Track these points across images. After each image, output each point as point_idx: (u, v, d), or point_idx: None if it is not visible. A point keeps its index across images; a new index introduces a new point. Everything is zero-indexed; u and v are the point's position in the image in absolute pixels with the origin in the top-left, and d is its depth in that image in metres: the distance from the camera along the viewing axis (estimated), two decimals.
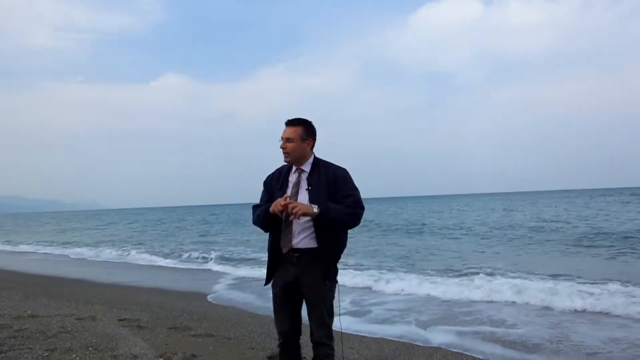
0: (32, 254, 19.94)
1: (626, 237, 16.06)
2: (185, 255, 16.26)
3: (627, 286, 7.79)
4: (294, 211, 2.70)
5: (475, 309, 7.01)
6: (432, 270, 10.83)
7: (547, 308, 6.85)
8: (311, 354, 2.96)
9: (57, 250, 20.76)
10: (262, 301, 7.75)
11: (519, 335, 5.56)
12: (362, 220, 2.98)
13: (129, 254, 17.81)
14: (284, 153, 2.94)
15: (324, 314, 2.89)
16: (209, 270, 12.76)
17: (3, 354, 4.28)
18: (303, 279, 2.88)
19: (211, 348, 4.79)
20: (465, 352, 4.94)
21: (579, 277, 9.02)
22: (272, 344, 4.85)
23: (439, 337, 5.58)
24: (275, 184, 3.04)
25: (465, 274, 9.89)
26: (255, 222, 3.06)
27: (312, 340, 2.94)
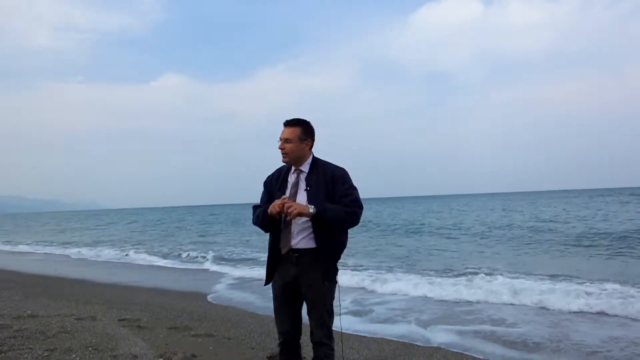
0: (32, 254, 19.94)
1: (625, 237, 16.08)
2: (185, 255, 16.26)
3: (625, 286, 7.81)
4: (289, 211, 2.71)
5: (475, 309, 7.02)
6: (431, 270, 10.84)
7: (546, 308, 6.86)
8: (311, 354, 2.97)
9: (57, 250, 20.76)
10: (262, 301, 7.75)
11: (519, 335, 5.57)
12: (361, 220, 2.98)
13: (127, 254, 17.80)
14: (282, 153, 2.94)
15: (323, 314, 2.90)
16: (209, 270, 12.76)
17: (3, 354, 4.29)
18: (303, 279, 2.88)
19: (211, 348, 4.80)
20: (465, 352, 4.95)
21: (577, 277, 9.03)
22: (272, 344, 4.86)
23: (439, 336, 5.60)
24: (274, 184, 3.04)
25: (465, 274, 9.90)
26: (255, 223, 3.07)
27: (312, 340, 2.94)
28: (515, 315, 6.52)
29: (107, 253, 18.60)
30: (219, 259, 14.71)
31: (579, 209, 36.00)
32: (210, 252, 16.39)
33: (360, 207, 2.91)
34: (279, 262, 2.97)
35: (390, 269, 11.22)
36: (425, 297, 7.92)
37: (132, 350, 4.54)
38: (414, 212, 46.17)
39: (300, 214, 2.74)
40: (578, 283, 8.33)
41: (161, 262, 15.20)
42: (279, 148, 2.94)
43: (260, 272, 10.14)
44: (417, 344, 5.30)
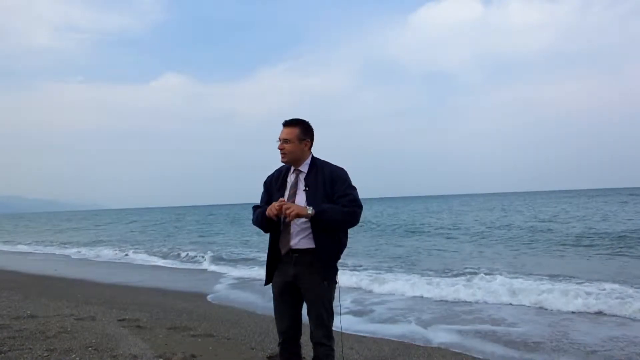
0: (32, 254, 19.93)
1: (623, 237, 16.10)
2: (185, 255, 16.26)
3: (624, 286, 7.83)
4: (287, 212, 2.71)
5: (475, 309, 7.03)
6: (431, 270, 10.84)
7: (545, 308, 6.87)
8: (311, 353, 2.97)
9: (57, 251, 20.77)
10: (262, 301, 7.76)
11: (519, 334, 5.59)
12: (361, 220, 2.98)
13: (127, 254, 17.80)
14: (281, 154, 2.94)
15: (323, 314, 2.90)
16: (209, 270, 12.76)
17: (3, 354, 4.29)
18: (302, 279, 2.89)
19: (211, 348, 4.80)
20: (465, 353, 4.95)
21: (576, 277, 9.04)
22: (272, 344, 4.86)
23: (439, 336, 5.61)
24: (274, 184, 3.05)
25: (464, 274, 9.90)
26: (254, 223, 3.07)
27: (311, 340, 2.95)
28: (515, 315, 6.54)
29: (107, 253, 18.59)
30: (219, 259, 14.71)
31: (578, 209, 36.03)
32: (209, 252, 16.39)
33: (360, 206, 2.91)
34: (279, 262, 2.97)
35: (390, 269, 11.23)
36: (425, 297, 7.92)
37: (131, 351, 4.54)
38: (414, 212, 46.19)
39: (298, 216, 2.74)
40: (577, 283, 8.35)
41: (161, 262, 15.20)
42: (278, 148, 2.94)
43: (260, 272, 10.15)
44: (417, 343, 5.30)
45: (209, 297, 8.49)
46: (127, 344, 4.81)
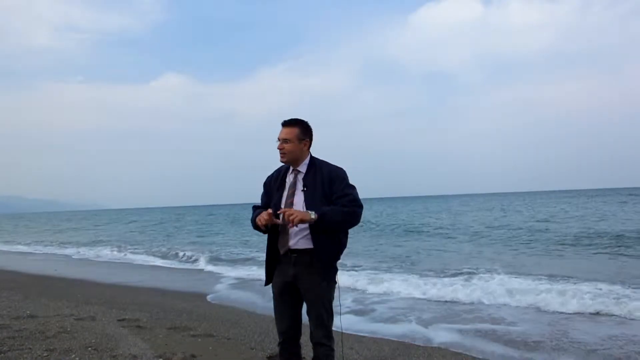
0: (32, 254, 19.92)
1: (622, 237, 16.12)
2: (184, 255, 16.26)
3: (622, 286, 7.84)
4: (290, 219, 2.69)
5: (475, 308, 7.04)
6: (430, 270, 10.85)
7: (544, 308, 6.87)
8: (311, 354, 2.98)
9: (57, 251, 20.76)
10: (262, 301, 7.76)
11: (519, 333, 5.60)
12: (361, 220, 2.98)
13: (126, 254, 17.80)
14: (280, 153, 2.94)
15: (322, 314, 2.90)
16: (208, 270, 12.76)
17: (2, 354, 4.29)
18: (301, 279, 2.89)
19: (211, 348, 4.80)
20: (465, 353, 4.96)
21: (575, 277, 9.04)
22: (272, 343, 4.86)
23: (440, 335, 5.62)
24: (273, 184, 3.05)
25: (464, 274, 9.91)
26: (252, 225, 3.08)
27: (311, 341, 2.95)
28: (514, 315, 6.55)
29: (107, 253, 18.59)
30: (218, 260, 14.71)
31: (577, 209, 36.05)
32: (208, 252, 16.38)
33: (360, 206, 2.90)
34: (278, 262, 2.97)
35: (389, 269, 11.23)
36: (425, 296, 7.93)
37: (131, 351, 4.54)
38: (413, 212, 46.20)
39: (302, 221, 2.72)
40: (575, 283, 8.35)
41: (160, 262, 15.19)
42: (278, 148, 2.94)
43: (259, 272, 10.15)
44: (417, 343, 5.31)
45: (208, 297, 8.50)
46: (127, 344, 4.82)
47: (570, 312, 6.58)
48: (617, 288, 7.67)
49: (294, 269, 2.89)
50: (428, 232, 23.04)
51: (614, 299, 6.85)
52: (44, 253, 20.05)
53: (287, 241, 2.88)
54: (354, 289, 8.68)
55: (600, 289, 7.58)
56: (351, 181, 2.97)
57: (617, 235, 16.61)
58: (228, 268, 12.49)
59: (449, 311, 6.96)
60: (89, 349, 4.57)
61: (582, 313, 6.50)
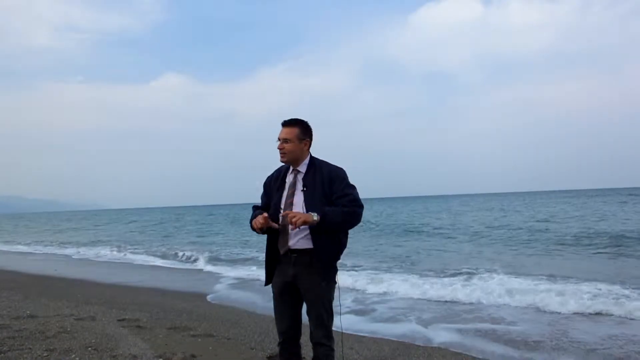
0: (32, 254, 19.92)
1: (621, 237, 16.12)
2: (184, 255, 16.26)
3: (621, 286, 7.85)
4: (293, 221, 2.69)
5: (475, 308, 7.04)
6: (430, 270, 10.85)
7: (543, 308, 6.87)
8: (311, 354, 2.98)
9: (57, 251, 20.76)
10: (262, 301, 7.76)
11: (519, 333, 5.61)
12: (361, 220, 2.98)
13: (124, 254, 17.80)
14: (281, 153, 2.94)
15: (322, 314, 2.90)
16: (208, 270, 12.76)
17: (2, 354, 4.30)
18: (301, 279, 2.89)
19: (211, 348, 4.81)
20: (465, 352, 4.96)
21: (574, 277, 9.05)
22: (272, 343, 4.87)
23: (440, 335, 5.63)
24: (273, 184, 3.05)
25: (464, 274, 9.91)
26: (250, 225, 3.09)
27: (311, 341, 2.95)
28: (514, 315, 6.55)
29: (107, 253, 18.60)
30: (218, 260, 14.71)
31: (577, 209, 36.05)
32: (208, 252, 16.38)
33: (361, 206, 2.91)
34: (278, 262, 2.97)
35: (389, 269, 11.24)
36: (425, 296, 7.93)
37: (131, 351, 4.55)
38: (413, 212, 46.20)
39: (305, 223, 2.72)
40: (575, 283, 8.35)
41: (160, 262, 15.19)
42: (278, 148, 2.94)
43: (259, 272, 10.15)
44: (417, 343, 5.31)
45: (208, 297, 8.50)
46: (127, 344, 4.82)
47: (570, 312, 6.59)
48: (617, 288, 7.67)
49: (294, 269, 2.89)
50: (428, 232, 23.05)
51: (613, 299, 6.86)
52: (44, 253, 20.05)
53: (286, 241, 2.88)
54: (354, 289, 8.68)
55: (600, 289, 7.59)
56: (351, 181, 2.97)
57: (617, 235, 16.62)
58: (228, 268, 12.49)
59: (449, 311, 6.96)
60: (89, 349, 4.57)
61: (582, 313, 6.50)
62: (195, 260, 14.87)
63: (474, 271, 10.22)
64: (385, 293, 8.36)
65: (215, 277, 11.17)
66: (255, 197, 3.21)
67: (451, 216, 35.51)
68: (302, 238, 2.86)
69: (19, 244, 25.42)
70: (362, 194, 2.96)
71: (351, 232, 3.04)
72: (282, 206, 2.92)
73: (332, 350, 2.92)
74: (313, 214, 2.75)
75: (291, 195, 2.91)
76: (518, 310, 6.87)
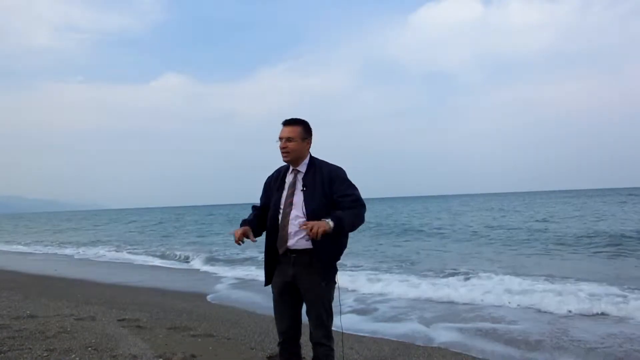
0: (32, 254, 19.92)
1: (620, 237, 16.13)
2: (183, 255, 16.26)
3: (620, 286, 7.85)
4: (313, 231, 2.64)
5: (475, 308, 7.04)
6: (430, 270, 10.85)
7: (543, 308, 6.87)
8: (311, 354, 2.98)
9: (57, 250, 20.75)
10: (262, 301, 7.75)
11: (520, 332, 5.61)
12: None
13: (126, 254, 17.79)
14: (284, 152, 2.92)
15: (322, 314, 2.90)
16: (208, 270, 12.76)
17: (2, 354, 4.30)
18: (301, 279, 2.89)
19: (211, 348, 4.81)
20: (465, 352, 4.96)
21: (574, 277, 9.05)
22: (272, 343, 4.87)
23: (440, 334, 5.63)
24: (273, 184, 3.06)
25: (464, 274, 9.91)
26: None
27: (311, 341, 2.95)
28: (514, 314, 6.55)
29: (107, 253, 18.59)
30: (218, 260, 14.70)
31: (577, 209, 36.06)
32: (207, 252, 16.37)
33: (363, 205, 2.93)
34: (278, 262, 2.98)
35: (389, 269, 11.24)
36: (424, 296, 7.92)
37: (131, 351, 4.55)
38: (413, 212, 46.20)
39: (325, 232, 2.67)
40: (574, 283, 8.36)
41: (160, 262, 15.20)
42: (281, 147, 2.92)
43: (259, 273, 10.15)
44: (417, 343, 5.31)
45: (208, 297, 8.50)
46: (127, 344, 4.82)
47: (569, 312, 6.59)
48: (616, 288, 7.67)
49: (293, 269, 2.89)
50: (428, 232, 23.05)
51: (613, 298, 6.86)
52: (44, 253, 20.04)
53: (286, 241, 2.88)
54: (354, 289, 8.67)
55: (600, 289, 7.59)
56: (351, 181, 2.98)
57: (617, 235, 16.62)
58: (227, 268, 12.48)
59: (449, 311, 6.96)
60: (89, 349, 4.57)
61: (582, 312, 6.51)
62: (195, 261, 14.85)
63: (474, 271, 10.22)
64: (385, 293, 8.35)
65: (215, 277, 11.17)
66: (255, 197, 3.21)
67: (451, 216, 35.50)
68: (301, 238, 2.85)
69: (19, 244, 25.41)
70: (362, 194, 2.97)
71: (351, 232, 3.04)
72: (282, 206, 2.93)
73: (332, 350, 2.92)
74: (328, 221, 2.72)
75: (291, 195, 2.91)
76: (518, 310, 6.87)
